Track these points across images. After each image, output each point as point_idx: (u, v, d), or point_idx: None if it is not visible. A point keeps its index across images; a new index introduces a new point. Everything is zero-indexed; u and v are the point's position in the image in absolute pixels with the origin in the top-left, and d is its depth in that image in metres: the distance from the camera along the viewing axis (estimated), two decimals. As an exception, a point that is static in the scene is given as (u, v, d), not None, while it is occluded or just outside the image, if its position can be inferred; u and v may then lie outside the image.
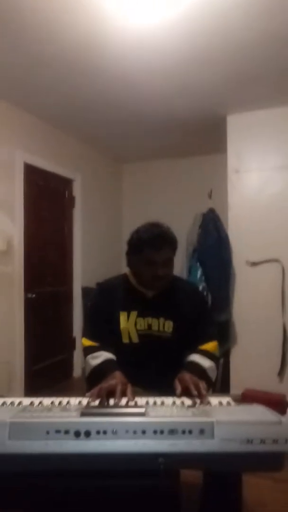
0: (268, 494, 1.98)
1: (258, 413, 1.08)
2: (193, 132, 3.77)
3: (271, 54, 2.48)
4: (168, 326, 1.59)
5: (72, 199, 4.04)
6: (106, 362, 1.51)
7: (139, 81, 2.81)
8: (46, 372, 3.43)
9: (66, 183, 3.98)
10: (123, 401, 1.23)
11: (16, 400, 1.22)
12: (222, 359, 3.29)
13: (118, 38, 2.30)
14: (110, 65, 2.59)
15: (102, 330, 1.63)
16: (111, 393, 1.26)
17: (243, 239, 3.27)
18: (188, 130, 3.70)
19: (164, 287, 1.62)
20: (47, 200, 3.72)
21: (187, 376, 1.36)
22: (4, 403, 1.20)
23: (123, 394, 1.27)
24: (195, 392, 1.26)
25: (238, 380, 3.17)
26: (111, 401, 1.23)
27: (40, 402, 1.22)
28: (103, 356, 1.54)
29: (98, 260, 4.16)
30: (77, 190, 4.08)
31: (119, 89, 2.92)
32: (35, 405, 1.19)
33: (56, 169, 3.76)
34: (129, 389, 1.30)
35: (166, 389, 1.32)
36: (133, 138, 4.00)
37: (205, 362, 1.52)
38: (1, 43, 2.33)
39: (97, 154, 4.44)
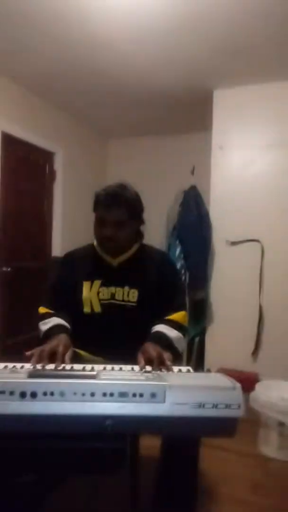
0: (231, 467, 2.00)
1: (214, 378, 1.06)
2: (179, 106, 3.67)
3: (260, 25, 2.40)
4: (132, 295, 1.54)
5: (53, 173, 3.93)
6: (55, 327, 1.47)
7: (124, 50, 2.71)
8: (20, 347, 3.37)
9: (47, 156, 3.87)
10: (67, 366, 1.19)
11: None
12: (198, 337, 3.28)
13: (103, 4, 2.21)
14: (95, 32, 2.50)
15: (60, 298, 1.59)
16: (52, 356, 1.23)
17: (224, 217, 3.23)
18: (174, 103, 3.60)
19: (116, 251, 1.57)
20: (26, 172, 3.61)
21: (150, 347, 1.30)
22: None
23: (62, 357, 1.24)
24: (158, 365, 1.21)
25: (213, 359, 3.17)
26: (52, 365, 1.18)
27: (-7, 366, 1.18)
28: (54, 321, 1.50)
29: (78, 236, 4.05)
30: (59, 164, 3.97)
31: (103, 58, 2.82)
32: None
33: (37, 141, 3.64)
34: (68, 353, 1.27)
35: (128, 360, 1.25)
36: (117, 110, 3.89)
37: (171, 332, 1.46)
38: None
39: (80, 127, 4.32)
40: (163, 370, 1.19)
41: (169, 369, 1.20)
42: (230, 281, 3.22)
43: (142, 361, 1.24)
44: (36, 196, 3.76)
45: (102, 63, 2.90)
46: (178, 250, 3.24)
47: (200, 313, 3.16)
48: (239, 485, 1.84)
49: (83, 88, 3.38)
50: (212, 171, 3.33)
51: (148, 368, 1.20)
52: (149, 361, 1.24)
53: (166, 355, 1.25)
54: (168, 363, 1.22)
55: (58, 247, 3.91)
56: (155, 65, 2.93)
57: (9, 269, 3.29)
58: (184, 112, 3.81)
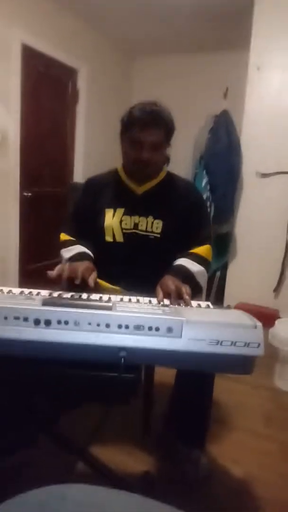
0: (243, 398, 2.05)
1: (234, 316, 1.01)
2: (213, 19, 3.27)
3: None
4: (156, 226, 1.47)
5: (76, 92, 3.70)
6: (79, 254, 1.43)
7: None
8: (41, 272, 3.42)
9: (70, 73, 3.61)
10: (84, 295, 1.17)
11: (-15, 287, 1.17)
12: (219, 272, 3.25)
13: None
14: None
15: (82, 226, 1.54)
16: (72, 279, 1.21)
17: (256, 147, 3.00)
18: (207, 15, 3.21)
19: (148, 176, 1.48)
20: (47, 90, 3.40)
21: (169, 280, 1.25)
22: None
23: (84, 280, 1.21)
24: (176, 299, 1.17)
25: (233, 294, 3.15)
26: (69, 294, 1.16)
27: (10, 291, 1.17)
28: (77, 249, 1.46)
29: (101, 160, 3.90)
30: (82, 83, 3.72)
31: None
32: (4, 292, 1.14)
33: (60, 56, 3.37)
34: (92, 276, 1.24)
35: (148, 293, 1.22)
36: (145, 23, 3.51)
37: (194, 266, 1.41)
38: None
39: (105, 44, 3.96)
40: (181, 304, 1.15)
41: (187, 303, 1.16)
42: (257, 215, 3.08)
43: (160, 294, 1.21)
44: (58, 117, 3.58)
45: None
46: (204, 181, 3.08)
47: (223, 247, 3.09)
48: (252, 417, 1.89)
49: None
50: (247, 95, 3.02)
51: (166, 301, 1.17)
52: (167, 295, 1.20)
53: (186, 289, 1.20)
54: (187, 297, 1.17)
55: (80, 173, 3.80)
56: None
57: (29, 194, 3.24)
58: (218, 26, 3.40)
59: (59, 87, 3.56)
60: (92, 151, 3.89)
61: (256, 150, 3.01)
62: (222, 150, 3.02)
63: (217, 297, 3.23)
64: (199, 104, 3.74)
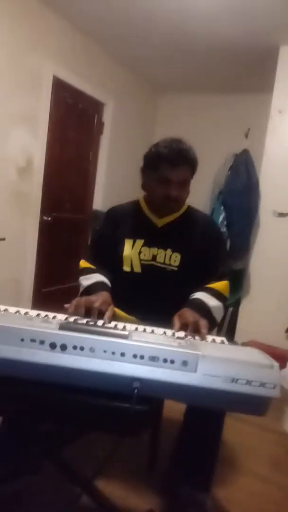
0: (251, 440, 1.98)
1: (250, 354, 1.00)
2: (239, 62, 3.40)
3: None
4: (174, 258, 1.48)
5: (101, 125, 3.83)
6: (97, 284, 1.44)
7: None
8: (54, 296, 3.45)
9: (96, 106, 3.75)
10: (99, 322, 1.17)
11: (2, 307, 1.18)
12: (231, 308, 3.22)
13: None
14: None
15: (102, 254, 1.55)
16: (89, 310, 1.21)
17: (275, 186, 3.04)
18: (234, 58, 3.34)
19: (175, 211, 1.50)
20: (74, 121, 3.52)
21: (188, 313, 1.25)
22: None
23: (101, 313, 1.22)
24: (193, 332, 1.17)
25: (245, 332, 3.11)
26: (85, 320, 1.17)
27: (26, 312, 1.18)
28: (96, 277, 1.47)
29: (121, 191, 3.97)
30: (108, 116, 3.85)
31: (161, 4, 2.62)
32: (21, 314, 1.15)
33: (88, 89, 3.52)
34: (109, 311, 1.24)
35: (163, 324, 1.22)
36: (172, 63, 3.66)
37: (211, 301, 1.40)
38: None
39: (132, 79, 4.13)
40: (197, 337, 1.14)
41: (203, 337, 1.15)
42: (272, 253, 3.08)
43: (177, 324, 1.20)
44: (82, 147, 3.69)
45: (161, 9, 2.70)
46: (221, 217, 3.11)
47: (236, 283, 3.07)
48: (260, 460, 1.82)
49: (138, 37, 3.18)
50: (267, 136, 3.10)
51: (181, 333, 1.16)
52: (184, 326, 1.20)
53: (203, 323, 1.19)
54: (204, 331, 1.17)
55: (100, 201, 3.88)
56: (218, 14, 2.68)
57: (49, 219, 3.30)
58: (243, 69, 3.53)
59: (86, 118, 3.69)
60: (113, 182, 3.98)
61: (274, 190, 3.05)
62: (241, 187, 3.07)
63: (228, 335, 3.19)
64: (220, 142, 3.84)
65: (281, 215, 3.02)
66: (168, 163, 1.40)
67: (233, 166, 3.17)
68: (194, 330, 1.18)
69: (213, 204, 3.29)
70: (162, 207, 1.50)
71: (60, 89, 3.22)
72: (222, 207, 3.14)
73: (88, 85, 3.49)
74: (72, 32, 3.20)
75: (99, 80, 3.63)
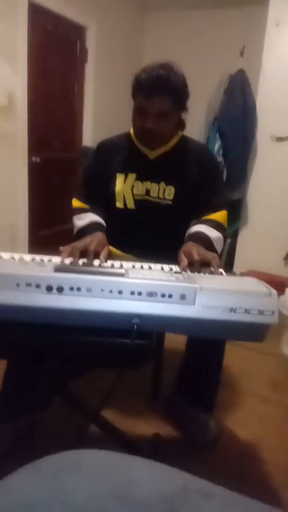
0: (251, 365, 2.07)
1: (248, 283, 1.00)
2: None
3: None
4: (168, 192, 1.43)
5: (84, 51, 3.54)
6: (92, 224, 1.41)
7: None
8: (51, 239, 3.43)
9: (78, 31, 3.45)
10: (95, 262, 1.16)
11: (-3, 254, 1.16)
12: (230, 239, 3.21)
13: None
14: None
15: (94, 191, 1.50)
16: (84, 253, 1.19)
17: (273, 109, 2.87)
18: None
19: (157, 144, 1.42)
20: (55, 49, 3.25)
21: (193, 248, 1.21)
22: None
23: (97, 255, 1.20)
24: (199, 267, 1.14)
25: (243, 262, 3.13)
26: (81, 261, 1.15)
27: (21, 257, 1.16)
28: (90, 217, 1.44)
29: (111, 124, 3.77)
30: (91, 41, 3.55)
31: None
32: (16, 259, 1.14)
33: (67, 12, 3.20)
34: (104, 251, 1.22)
35: (160, 260, 1.20)
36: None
37: (212, 233, 1.38)
38: None
39: (116, -2, 3.75)
40: (206, 272, 1.12)
41: (216, 271, 1.14)
42: (271, 181, 3.00)
43: (185, 260, 1.17)
44: (66, 78, 3.45)
45: None
46: (217, 145, 2.99)
47: (234, 214, 3.04)
48: (260, 382, 1.92)
49: None
50: (264, 53, 2.87)
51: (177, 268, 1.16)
52: (190, 265, 1.17)
53: (215, 261, 1.17)
54: (215, 264, 1.15)
55: (89, 136, 3.70)
56: None
57: (38, 159, 3.18)
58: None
59: (67, 45, 3.41)
60: (102, 114, 3.77)
61: (272, 112, 2.89)
62: (237, 113, 2.92)
63: (226, 265, 3.22)
64: (214, 62, 3.56)
65: (280, 139, 2.90)
66: (144, 92, 1.29)
67: (228, 89, 2.98)
68: (203, 264, 1.16)
69: (208, 132, 3.14)
70: (140, 139, 1.42)
71: (37, 15, 2.93)
72: (217, 135, 3.01)
73: (67, 8, 3.17)
74: None
75: (79, 2, 3.29)
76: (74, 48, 3.48)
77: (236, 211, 3.05)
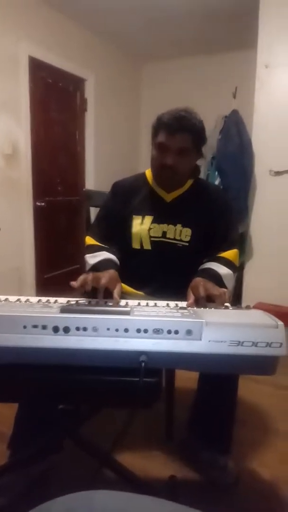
0: (266, 399, 2.01)
1: (254, 316, 0.99)
2: (220, 20, 3.27)
3: None
4: (185, 234, 1.45)
5: (84, 101, 3.73)
6: (105, 261, 1.41)
7: None
8: (57, 281, 3.46)
9: (77, 83, 3.65)
10: (109, 302, 1.16)
11: (2, 297, 1.18)
12: (236, 274, 3.21)
13: None
14: None
15: (109, 231, 1.51)
16: (95, 288, 1.18)
17: (268, 145, 2.97)
18: (214, 16, 3.21)
19: (175, 184, 1.45)
20: (56, 101, 3.44)
21: (201, 283, 1.21)
22: (-11, 299, 1.15)
23: (108, 291, 1.19)
24: (205, 303, 1.14)
25: (251, 295, 3.11)
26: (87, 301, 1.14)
27: (27, 300, 1.17)
28: (103, 255, 1.44)
29: (112, 168, 3.94)
30: (90, 91, 3.75)
31: None
32: (22, 302, 1.15)
33: (66, 66, 3.41)
34: (117, 288, 1.22)
35: (171, 298, 1.19)
36: (151, 28, 3.53)
37: (221, 269, 1.38)
38: None
39: (112, 50, 3.99)
40: (211, 307, 1.12)
41: (222, 303, 1.14)
42: (272, 214, 3.04)
43: (191, 297, 1.17)
44: (67, 127, 3.62)
45: None
46: (217, 182, 3.06)
47: (239, 248, 3.05)
48: (275, 417, 1.85)
49: (113, 7, 3.05)
50: (256, 93, 3.00)
51: (183, 304, 1.16)
52: (196, 300, 1.16)
53: (223, 296, 1.16)
54: (220, 297, 1.15)
55: (92, 180, 3.83)
56: None
57: (43, 204, 3.27)
58: (224, 27, 3.40)
59: (67, 96, 3.60)
60: (102, 158, 3.91)
61: (268, 148, 2.98)
62: (234, 150, 3.00)
63: (234, 298, 3.20)
64: (209, 105, 3.67)
65: (277, 173, 2.97)
66: (165, 130, 1.34)
67: (223, 129, 3.09)
68: (210, 300, 1.16)
69: (207, 170, 3.22)
70: (160, 177, 1.45)
71: (38, 69, 3.13)
72: (216, 172, 3.09)
73: (66, 62, 3.38)
74: (44, 9, 3.08)
75: (77, 56, 3.51)
76: (74, 98, 3.67)
77: (241, 244, 3.07)
